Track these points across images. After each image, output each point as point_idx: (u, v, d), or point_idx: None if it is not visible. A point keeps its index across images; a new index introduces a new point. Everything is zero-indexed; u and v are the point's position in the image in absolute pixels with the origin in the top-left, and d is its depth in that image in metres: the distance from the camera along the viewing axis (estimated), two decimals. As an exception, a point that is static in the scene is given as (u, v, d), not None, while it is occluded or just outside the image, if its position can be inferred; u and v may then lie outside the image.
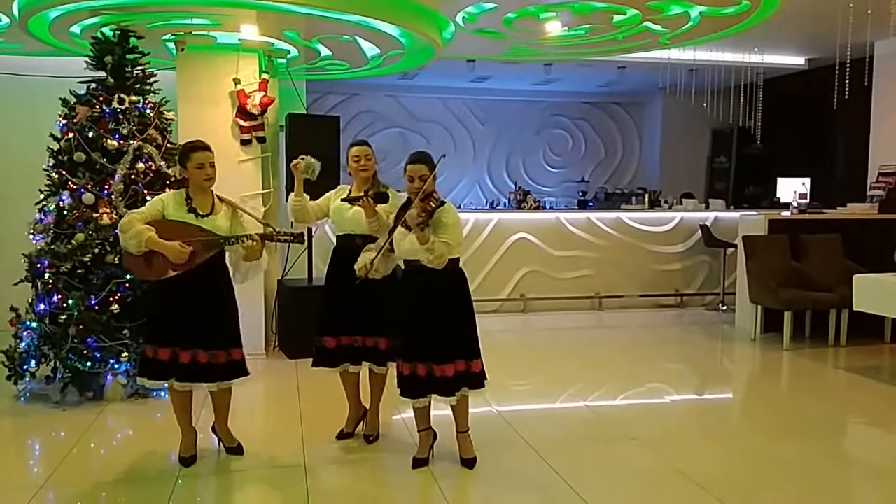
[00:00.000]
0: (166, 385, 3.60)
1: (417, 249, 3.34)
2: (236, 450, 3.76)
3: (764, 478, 3.53)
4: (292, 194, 3.87)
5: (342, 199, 3.75)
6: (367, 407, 4.03)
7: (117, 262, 4.62)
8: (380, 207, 3.61)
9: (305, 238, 3.68)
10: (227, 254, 3.61)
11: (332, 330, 3.83)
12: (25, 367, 4.61)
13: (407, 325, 3.51)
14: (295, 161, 3.87)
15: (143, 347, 3.61)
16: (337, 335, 3.82)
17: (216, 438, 3.80)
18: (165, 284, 3.45)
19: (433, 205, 3.39)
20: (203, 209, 3.52)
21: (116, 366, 4.61)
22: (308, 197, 3.87)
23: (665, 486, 3.42)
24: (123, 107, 4.84)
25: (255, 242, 3.43)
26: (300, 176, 3.83)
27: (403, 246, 3.44)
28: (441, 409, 3.71)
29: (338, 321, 3.82)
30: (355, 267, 3.49)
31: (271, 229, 3.52)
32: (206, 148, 3.54)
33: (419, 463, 3.60)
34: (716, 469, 3.62)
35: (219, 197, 3.62)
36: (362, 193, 3.66)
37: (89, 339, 4.55)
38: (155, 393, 4.67)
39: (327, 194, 3.94)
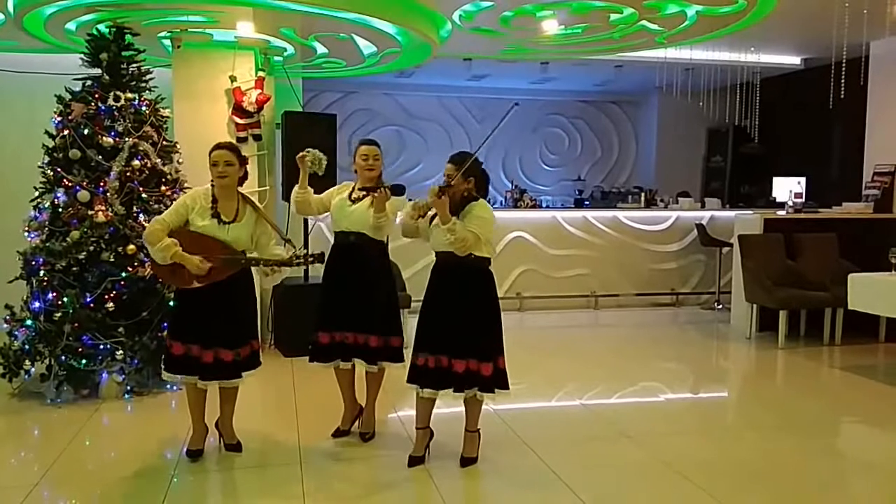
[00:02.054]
0: (180, 378, 3.61)
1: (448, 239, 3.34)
2: (235, 447, 3.77)
3: (758, 475, 3.54)
4: (297, 186, 3.89)
5: (359, 189, 3.78)
6: (363, 405, 4.03)
7: (112, 259, 4.62)
8: (388, 205, 3.64)
9: (325, 257, 3.71)
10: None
11: (325, 325, 3.84)
12: (20, 364, 4.59)
13: (428, 316, 3.51)
14: (302, 153, 3.86)
15: (167, 342, 3.64)
16: (330, 331, 3.83)
17: (214, 436, 3.79)
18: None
19: (454, 188, 3.40)
20: (227, 215, 3.53)
21: (112, 363, 4.60)
22: (312, 190, 3.90)
23: (660, 484, 3.43)
24: (119, 104, 4.83)
25: (272, 270, 3.54)
26: (306, 169, 3.85)
27: (438, 237, 3.44)
28: (441, 409, 3.72)
29: (331, 317, 3.84)
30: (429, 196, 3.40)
31: (292, 253, 3.52)
32: (226, 147, 3.60)
33: (415, 461, 3.61)
34: (710, 466, 3.63)
35: (243, 196, 3.64)
36: (377, 185, 3.68)
37: (84, 337, 4.54)
38: (171, 386, 4.72)
39: (330, 190, 3.96)
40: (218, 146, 3.60)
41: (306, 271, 6.14)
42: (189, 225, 3.49)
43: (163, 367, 3.64)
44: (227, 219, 3.52)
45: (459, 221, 3.35)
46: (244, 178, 3.67)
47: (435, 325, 3.49)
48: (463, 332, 3.44)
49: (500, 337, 3.56)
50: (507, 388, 3.56)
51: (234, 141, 5.81)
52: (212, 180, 3.58)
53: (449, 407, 3.65)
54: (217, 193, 3.56)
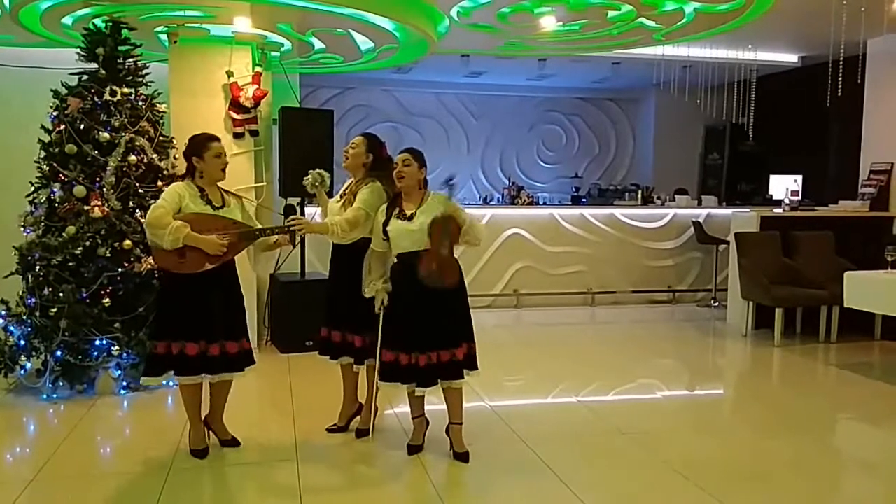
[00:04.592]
0: (176, 379, 3.59)
1: (418, 243, 3.44)
2: (231, 442, 3.77)
3: (754, 472, 3.55)
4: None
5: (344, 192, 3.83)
6: (362, 403, 4.03)
7: (108, 255, 4.60)
8: (364, 203, 3.63)
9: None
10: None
11: (325, 320, 3.89)
12: (16, 360, 4.58)
13: (411, 316, 3.48)
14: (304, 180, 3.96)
15: (152, 345, 3.55)
16: (328, 326, 3.88)
17: (207, 432, 3.79)
18: (182, 280, 3.45)
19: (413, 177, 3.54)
20: (217, 202, 3.55)
21: (108, 359, 4.59)
22: (329, 200, 3.94)
23: (655, 481, 3.43)
24: (115, 99, 4.81)
25: (287, 235, 3.53)
26: (314, 192, 3.95)
27: (403, 243, 3.48)
28: (437, 405, 3.72)
29: (329, 312, 3.88)
30: (368, 293, 3.57)
31: (302, 235, 3.59)
32: (219, 139, 3.63)
33: (414, 449, 3.67)
34: (705, 463, 3.64)
35: (224, 190, 3.65)
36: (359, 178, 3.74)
37: (80, 333, 4.53)
38: (167, 382, 4.68)
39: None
40: (213, 137, 3.60)
41: (303, 268, 6.13)
42: (184, 211, 3.44)
43: (172, 372, 3.55)
44: (217, 204, 3.54)
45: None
46: None
47: (426, 322, 3.47)
48: (457, 321, 3.52)
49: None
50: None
51: (231, 136, 5.82)
52: (186, 175, 3.58)
53: (443, 402, 3.65)
54: (202, 184, 3.55)
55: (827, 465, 3.78)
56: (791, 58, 8.47)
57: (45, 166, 4.76)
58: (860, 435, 4.34)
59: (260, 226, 3.69)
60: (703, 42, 7.19)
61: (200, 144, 3.55)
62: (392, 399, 4.44)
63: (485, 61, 8.48)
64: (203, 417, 3.76)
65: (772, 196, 8.74)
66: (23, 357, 4.59)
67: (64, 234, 4.58)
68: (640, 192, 9.08)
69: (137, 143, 4.82)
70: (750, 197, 9.65)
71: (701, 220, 8.22)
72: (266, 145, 6.24)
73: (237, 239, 3.47)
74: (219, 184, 3.63)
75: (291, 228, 3.48)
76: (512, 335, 7.03)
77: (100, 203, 4.64)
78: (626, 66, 8.59)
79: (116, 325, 4.61)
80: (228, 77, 5.79)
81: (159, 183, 4.90)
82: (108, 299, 4.59)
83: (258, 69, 5.93)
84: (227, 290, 3.59)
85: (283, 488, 3.31)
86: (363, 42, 6.06)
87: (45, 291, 4.55)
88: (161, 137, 5.02)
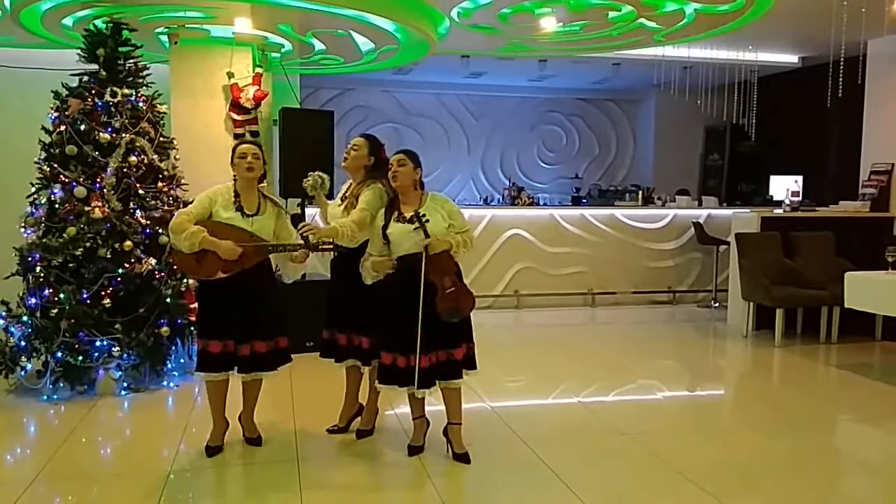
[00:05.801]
0: (202, 376, 3.62)
1: (419, 244, 3.43)
2: (255, 441, 3.80)
3: (754, 473, 3.55)
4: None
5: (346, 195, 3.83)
6: (363, 404, 4.03)
7: (109, 256, 4.61)
8: (368, 205, 3.62)
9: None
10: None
11: (327, 322, 3.89)
12: (16, 361, 4.58)
13: (412, 318, 3.45)
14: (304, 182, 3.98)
15: (201, 342, 3.62)
16: (330, 328, 3.88)
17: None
18: (212, 281, 3.49)
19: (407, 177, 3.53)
20: (250, 208, 3.56)
21: (108, 360, 4.59)
22: (329, 202, 3.97)
23: (656, 481, 3.43)
24: (116, 100, 4.82)
25: (301, 253, 3.57)
26: (313, 195, 3.96)
27: (403, 246, 3.47)
28: (436, 405, 3.72)
29: (331, 314, 3.88)
30: (371, 278, 3.53)
31: (315, 240, 3.51)
32: (251, 142, 3.72)
33: (415, 450, 3.67)
34: (706, 464, 3.63)
35: (264, 194, 3.67)
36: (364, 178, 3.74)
37: (81, 333, 4.54)
38: (168, 383, 4.80)
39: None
40: (242, 141, 3.73)
41: (303, 268, 6.12)
42: (213, 217, 3.50)
43: (197, 367, 3.61)
44: (249, 212, 3.56)
45: (454, 233, 3.49)
46: (263, 175, 3.69)
47: (427, 323, 3.46)
48: (456, 323, 3.50)
49: None
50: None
51: (231, 137, 5.83)
52: (233, 177, 3.61)
53: (442, 403, 3.65)
54: (239, 188, 3.58)
55: (827, 466, 3.78)
56: (791, 58, 8.47)
57: (45, 167, 4.77)
58: (860, 435, 4.34)
59: (296, 235, 3.66)
60: (704, 43, 7.21)
61: (232, 150, 3.63)
62: (393, 400, 4.44)
63: (485, 62, 8.49)
64: (238, 415, 3.82)
65: (772, 197, 8.74)
66: (23, 358, 4.59)
67: (64, 235, 4.58)
68: (640, 192, 9.08)
69: (138, 144, 4.83)
70: (750, 197, 9.66)
71: (701, 220, 8.22)
72: (266, 146, 6.24)
73: (252, 251, 3.50)
74: (260, 189, 3.67)
75: (303, 234, 3.47)
76: (512, 336, 7.03)
77: (100, 204, 4.64)
78: (627, 66, 8.60)
79: (117, 325, 4.61)
80: (229, 78, 5.80)
81: (160, 184, 4.91)
82: (108, 300, 4.59)
83: (258, 70, 5.95)
84: (260, 291, 3.61)
85: (284, 488, 3.31)
86: (364, 43, 6.07)
87: (46, 292, 4.56)
88: (161, 138, 5.03)
